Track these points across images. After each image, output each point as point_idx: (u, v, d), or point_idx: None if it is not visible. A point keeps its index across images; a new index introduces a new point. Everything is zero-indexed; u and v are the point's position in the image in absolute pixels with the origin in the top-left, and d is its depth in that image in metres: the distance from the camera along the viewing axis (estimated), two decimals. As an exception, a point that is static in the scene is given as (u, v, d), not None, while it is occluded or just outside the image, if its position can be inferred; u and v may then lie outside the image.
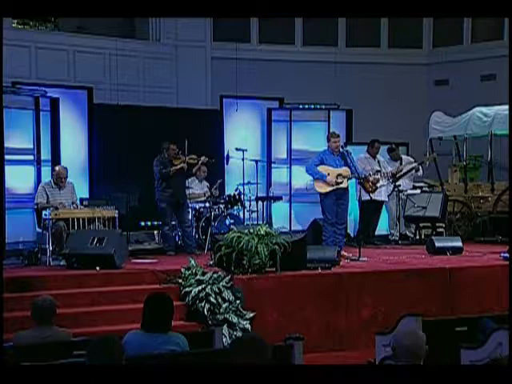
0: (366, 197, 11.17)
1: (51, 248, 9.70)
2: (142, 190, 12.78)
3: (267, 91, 14.32)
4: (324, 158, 10.52)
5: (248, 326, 8.16)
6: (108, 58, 13.94)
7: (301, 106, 14.14)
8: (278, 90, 14.49)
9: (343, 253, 10.19)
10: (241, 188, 12.33)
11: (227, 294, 8.29)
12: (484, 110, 13.59)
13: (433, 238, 11.39)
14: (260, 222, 11.54)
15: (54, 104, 11.86)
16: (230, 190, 12.72)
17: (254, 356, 3.95)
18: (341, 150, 10.56)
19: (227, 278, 8.46)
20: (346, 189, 10.51)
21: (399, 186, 12.67)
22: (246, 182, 12.35)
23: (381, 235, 12.87)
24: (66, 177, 10.42)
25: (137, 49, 14.41)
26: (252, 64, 15.18)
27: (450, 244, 10.95)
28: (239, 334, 7.88)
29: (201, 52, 14.99)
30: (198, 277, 8.52)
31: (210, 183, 12.35)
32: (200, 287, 8.34)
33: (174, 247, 11.33)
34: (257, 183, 12.51)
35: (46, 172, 11.54)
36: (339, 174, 10.40)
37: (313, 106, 14.16)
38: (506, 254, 9.83)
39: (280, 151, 14.08)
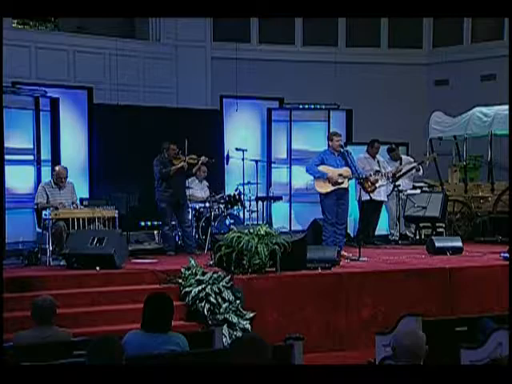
0: (365, 197, 11.16)
1: (51, 248, 9.70)
2: (142, 190, 12.78)
3: (267, 91, 14.31)
4: (324, 158, 10.51)
5: (248, 326, 8.16)
6: (108, 58, 13.93)
7: (301, 106, 14.13)
8: (277, 90, 14.49)
9: (343, 253, 10.19)
10: (241, 188, 12.33)
11: (227, 294, 8.29)
12: (484, 110, 13.58)
13: (433, 237, 11.38)
14: (260, 222, 11.54)
15: (54, 104, 11.86)
16: (230, 190, 12.71)
17: (254, 356, 3.95)
18: (341, 150, 10.56)
19: (227, 278, 8.46)
20: (347, 189, 10.50)
21: (399, 185, 12.68)
22: (245, 182, 12.35)
23: (381, 235, 12.87)
24: (66, 177, 10.42)
25: (137, 49, 14.40)
26: (252, 64, 15.18)
27: (450, 244, 10.95)
28: (239, 333, 7.88)
29: (201, 52, 14.99)
30: (197, 277, 8.52)
31: (212, 187, 12.33)
32: (200, 287, 8.34)
33: (173, 247, 11.33)
34: (257, 183, 12.51)
35: (45, 172, 11.54)
36: (340, 174, 10.39)
37: (313, 106, 14.16)
38: (506, 254, 9.83)
39: (280, 151, 14.07)
